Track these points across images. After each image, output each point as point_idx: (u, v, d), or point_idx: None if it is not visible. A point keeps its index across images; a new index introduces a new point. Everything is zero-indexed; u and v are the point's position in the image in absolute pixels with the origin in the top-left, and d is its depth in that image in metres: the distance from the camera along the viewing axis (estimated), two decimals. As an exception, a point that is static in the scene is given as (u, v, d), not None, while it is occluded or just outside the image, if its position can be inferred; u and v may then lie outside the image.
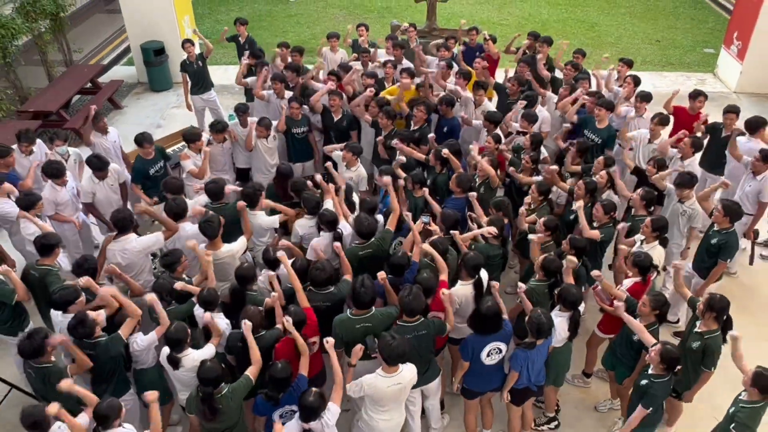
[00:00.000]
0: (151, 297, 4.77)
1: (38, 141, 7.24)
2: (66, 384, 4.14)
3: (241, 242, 5.68)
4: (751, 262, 6.91)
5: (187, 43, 9.07)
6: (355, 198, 6.40)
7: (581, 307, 4.98)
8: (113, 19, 15.31)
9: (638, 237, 5.64)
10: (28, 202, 5.89)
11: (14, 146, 6.86)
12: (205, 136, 7.30)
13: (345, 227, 5.71)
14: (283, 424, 4.37)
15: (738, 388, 4.45)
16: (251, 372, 4.36)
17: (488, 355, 4.77)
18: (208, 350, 4.58)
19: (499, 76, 9.29)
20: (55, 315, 4.88)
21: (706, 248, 5.90)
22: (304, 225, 5.86)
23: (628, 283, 5.23)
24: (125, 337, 4.63)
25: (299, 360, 4.47)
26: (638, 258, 5.21)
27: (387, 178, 5.91)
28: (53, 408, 4.00)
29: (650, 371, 4.55)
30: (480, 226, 5.72)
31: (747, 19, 11.25)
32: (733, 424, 4.31)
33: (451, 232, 5.50)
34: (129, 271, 5.55)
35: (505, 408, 5.32)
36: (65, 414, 4.03)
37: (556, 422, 5.68)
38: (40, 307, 5.51)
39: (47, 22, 11.65)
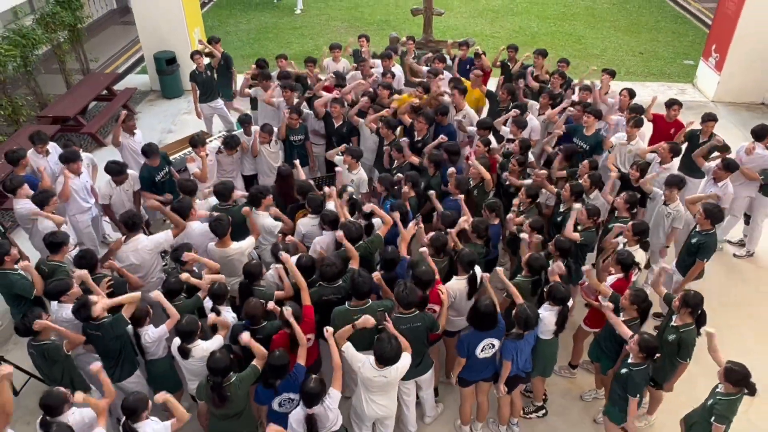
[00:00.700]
0: (156, 294, 4.81)
1: (54, 144, 7.25)
2: (96, 367, 4.21)
3: (249, 240, 5.69)
4: None
5: (196, 54, 9.09)
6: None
7: (569, 303, 5.00)
8: (128, 31, 15.31)
9: (621, 239, 5.66)
10: (43, 198, 5.92)
11: (31, 150, 6.87)
12: (217, 143, 7.31)
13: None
14: (282, 412, 4.43)
15: (715, 379, 4.47)
16: (258, 363, 4.38)
17: (482, 350, 4.79)
18: (217, 341, 4.59)
19: (491, 84, 9.34)
20: (53, 305, 4.91)
21: (687, 248, 5.93)
22: (306, 224, 5.88)
23: (611, 279, 5.25)
24: (127, 317, 4.64)
25: (295, 351, 4.48)
26: (621, 256, 5.24)
27: (396, 214, 5.73)
28: (79, 396, 4.06)
29: (630, 360, 4.58)
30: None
31: (724, 33, 11.29)
32: (713, 417, 4.35)
33: (448, 230, 5.52)
34: (141, 270, 5.58)
35: (498, 401, 5.34)
36: (90, 399, 4.09)
37: (543, 411, 5.69)
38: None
39: (66, 33, 11.66)
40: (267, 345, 4.58)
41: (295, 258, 5.18)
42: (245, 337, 4.35)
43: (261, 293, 4.95)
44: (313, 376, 4.18)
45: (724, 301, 6.86)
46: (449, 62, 9.35)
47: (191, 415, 5.35)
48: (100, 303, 4.67)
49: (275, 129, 7.23)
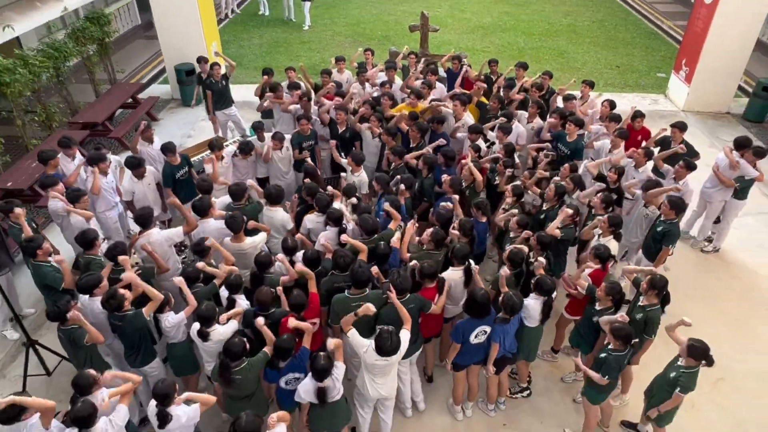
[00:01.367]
0: (179, 280, 4.83)
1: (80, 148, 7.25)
2: (110, 375, 4.17)
3: (261, 236, 5.70)
4: None
5: (215, 65, 9.06)
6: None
7: (553, 294, 5.01)
8: (151, 44, 15.30)
9: (596, 231, 5.68)
10: (74, 196, 5.94)
11: (61, 153, 6.86)
12: (233, 147, 7.30)
13: (349, 224, 5.72)
14: (289, 389, 4.45)
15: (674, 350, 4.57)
16: (268, 349, 4.39)
17: (476, 337, 4.80)
18: (231, 326, 4.59)
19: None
20: (83, 298, 4.89)
21: (653, 236, 5.97)
22: (313, 220, 5.87)
23: (589, 270, 5.25)
24: (147, 315, 4.66)
25: (302, 335, 4.49)
26: (599, 251, 5.25)
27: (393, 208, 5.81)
28: (108, 374, 4.12)
29: (610, 346, 4.60)
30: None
31: (693, 48, 11.29)
32: (678, 388, 4.44)
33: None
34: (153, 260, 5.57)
35: (485, 381, 5.36)
36: (119, 374, 4.11)
37: (528, 391, 5.70)
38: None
39: (94, 46, 11.67)
40: (276, 328, 4.59)
41: (301, 252, 5.20)
42: (260, 320, 4.40)
43: (270, 280, 4.98)
44: (322, 353, 4.22)
45: (691, 293, 6.86)
46: (442, 74, 9.34)
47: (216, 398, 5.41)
48: (131, 280, 4.74)
49: (286, 136, 7.21)
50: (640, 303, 4.91)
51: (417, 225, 5.85)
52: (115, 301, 4.55)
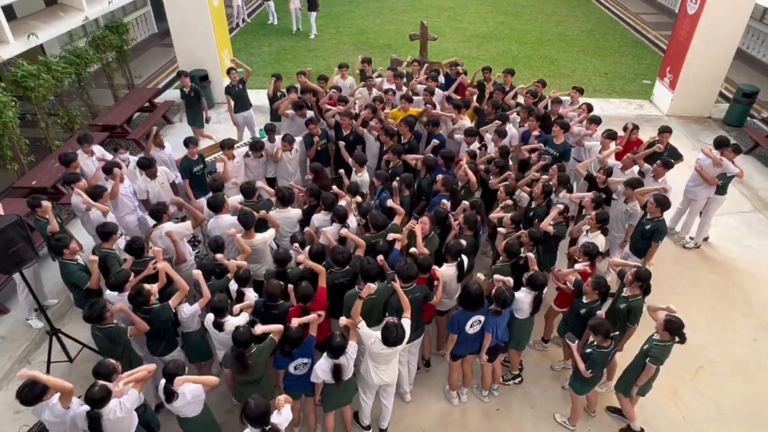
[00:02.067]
0: (197, 273, 4.84)
1: (100, 147, 7.25)
2: (124, 379, 4.11)
3: (270, 232, 5.69)
4: None
5: (231, 71, 9.06)
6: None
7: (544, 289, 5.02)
8: (167, 52, 15.28)
9: (584, 228, 5.68)
10: (96, 193, 5.96)
11: (79, 150, 6.87)
12: (245, 148, 7.30)
13: (351, 221, 5.72)
14: (297, 374, 4.46)
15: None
16: (275, 336, 4.40)
17: (471, 326, 4.81)
18: (243, 318, 4.61)
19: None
20: (112, 295, 4.87)
21: (641, 233, 5.96)
22: (320, 218, 5.87)
23: (579, 266, 5.25)
24: (173, 307, 4.67)
25: (308, 324, 4.52)
26: (587, 248, 5.25)
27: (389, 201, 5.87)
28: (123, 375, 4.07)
29: (593, 342, 4.60)
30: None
31: (677, 57, 11.26)
32: (648, 359, 4.49)
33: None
34: (168, 252, 5.58)
35: (479, 368, 5.37)
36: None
37: (519, 378, 5.71)
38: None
39: (113, 53, 11.68)
40: (284, 320, 4.59)
41: (308, 247, 5.20)
42: (258, 329, 4.35)
43: (291, 274, 5.00)
44: (337, 332, 4.30)
45: (672, 286, 6.87)
46: (441, 80, 9.32)
47: (219, 380, 5.43)
48: (165, 269, 4.82)
49: (295, 138, 7.22)
50: (623, 294, 4.93)
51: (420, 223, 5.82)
52: (142, 298, 4.57)
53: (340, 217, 5.52)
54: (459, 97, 8.22)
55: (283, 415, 3.79)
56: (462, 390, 5.50)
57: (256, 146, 7.09)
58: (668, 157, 6.75)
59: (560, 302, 5.62)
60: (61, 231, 5.84)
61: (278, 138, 7.30)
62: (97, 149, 7.14)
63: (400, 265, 4.66)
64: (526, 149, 7.18)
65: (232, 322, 4.52)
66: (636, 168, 6.80)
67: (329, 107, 7.85)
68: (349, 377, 4.47)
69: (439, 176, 6.19)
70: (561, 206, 5.66)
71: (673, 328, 4.37)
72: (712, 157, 6.87)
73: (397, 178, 6.24)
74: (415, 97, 8.19)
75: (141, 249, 5.23)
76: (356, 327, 4.38)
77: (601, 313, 4.70)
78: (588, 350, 4.61)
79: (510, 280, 4.92)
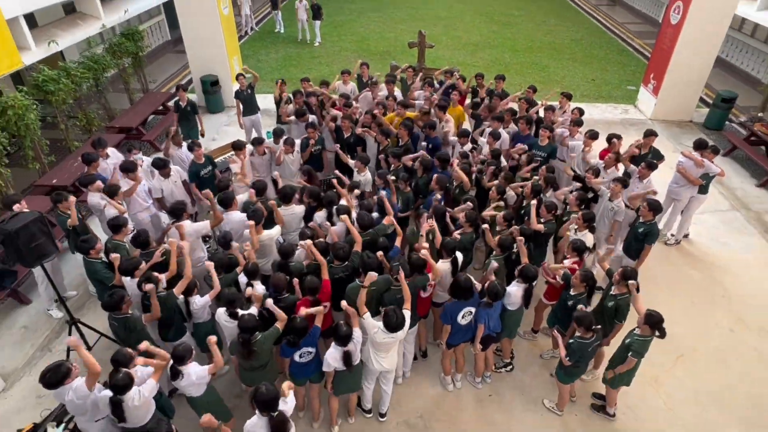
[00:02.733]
0: (209, 264, 4.86)
1: (114, 149, 7.23)
2: (144, 345, 4.19)
3: (276, 229, 5.68)
4: None
5: (240, 76, 9.04)
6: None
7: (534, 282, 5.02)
8: (180, 58, 15.27)
9: (572, 227, 5.67)
10: (111, 191, 5.99)
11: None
12: (250, 147, 7.30)
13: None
14: (302, 362, 4.46)
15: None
16: (279, 325, 4.40)
17: (463, 317, 4.80)
18: (252, 309, 4.60)
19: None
20: (126, 280, 4.91)
21: (634, 236, 5.93)
22: (321, 216, 5.88)
23: (568, 262, 5.26)
24: (177, 294, 4.70)
25: (314, 315, 4.51)
26: (576, 244, 5.25)
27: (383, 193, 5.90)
28: (143, 344, 4.14)
29: (577, 334, 4.62)
30: (455, 221, 5.76)
31: (660, 64, 11.24)
32: (630, 352, 4.49)
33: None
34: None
35: (473, 356, 5.38)
36: (150, 348, 4.12)
37: (510, 366, 5.72)
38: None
39: (129, 59, 11.66)
40: (290, 312, 4.59)
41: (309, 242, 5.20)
42: (269, 301, 4.42)
43: (294, 267, 4.99)
44: (341, 322, 4.31)
45: (654, 281, 6.87)
46: (437, 86, 9.29)
47: (228, 366, 5.44)
48: (173, 259, 4.89)
49: (296, 141, 7.21)
50: (611, 292, 4.90)
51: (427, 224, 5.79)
52: (151, 282, 4.57)
53: (340, 213, 5.52)
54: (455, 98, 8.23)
55: (288, 402, 3.80)
56: (456, 377, 5.51)
57: (255, 141, 7.15)
58: (652, 159, 6.74)
59: (549, 295, 5.62)
60: (81, 227, 5.85)
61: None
62: (112, 152, 7.12)
63: (403, 260, 4.68)
64: (514, 152, 7.19)
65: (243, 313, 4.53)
66: (621, 167, 6.80)
67: (336, 112, 7.85)
68: (358, 364, 4.49)
69: (435, 176, 6.19)
70: (533, 202, 5.70)
71: (653, 323, 4.36)
72: (694, 158, 6.85)
73: (393, 177, 6.25)
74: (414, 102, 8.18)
75: (146, 241, 5.26)
76: (362, 317, 4.39)
77: (582, 307, 4.69)
78: (571, 341, 4.64)
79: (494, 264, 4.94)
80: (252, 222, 5.31)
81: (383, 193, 5.92)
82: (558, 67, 14.80)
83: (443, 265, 5.11)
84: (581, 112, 7.79)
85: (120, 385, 3.72)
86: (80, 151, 8.81)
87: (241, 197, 6.12)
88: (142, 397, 3.82)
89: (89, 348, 5.75)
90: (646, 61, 14.83)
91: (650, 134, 7.13)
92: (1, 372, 5.61)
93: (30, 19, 10.23)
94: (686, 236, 7.76)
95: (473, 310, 4.83)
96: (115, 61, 10.98)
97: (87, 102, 10.68)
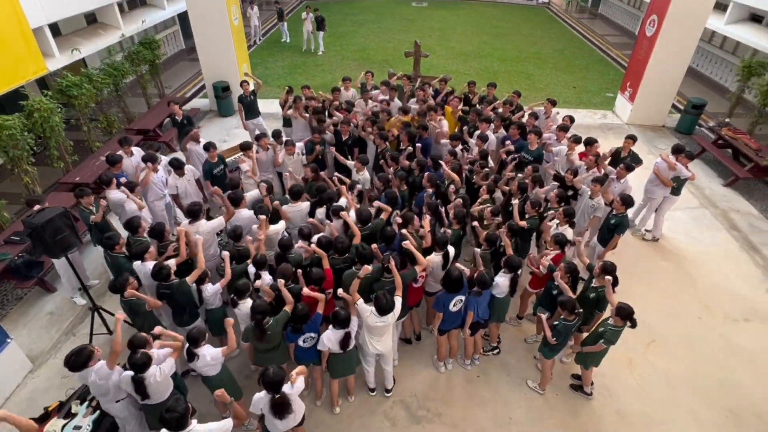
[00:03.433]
0: (225, 254, 4.88)
1: (139, 149, 7.23)
2: (158, 329, 4.19)
3: (281, 224, 5.68)
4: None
5: (244, 83, 9.01)
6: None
7: (519, 271, 5.03)
8: (193, 65, 15.20)
9: (554, 222, 5.68)
10: (131, 186, 6.00)
11: (119, 152, 6.83)
12: (255, 146, 7.28)
13: (352, 214, 5.71)
14: (306, 346, 4.47)
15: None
16: (288, 308, 4.42)
17: (454, 305, 4.82)
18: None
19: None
20: (137, 264, 4.90)
21: (606, 227, 5.98)
22: (322, 212, 5.88)
23: (551, 254, 5.27)
24: (190, 282, 4.70)
25: (316, 303, 4.52)
26: (557, 237, 5.26)
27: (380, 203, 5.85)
28: (157, 329, 4.15)
29: (562, 317, 4.64)
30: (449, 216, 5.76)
31: (636, 73, 11.24)
32: (602, 340, 4.55)
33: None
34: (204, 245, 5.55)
35: (464, 342, 5.40)
36: (165, 332, 4.12)
37: (497, 350, 5.74)
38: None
39: (147, 66, 11.59)
40: (297, 299, 4.59)
41: (315, 237, 5.20)
42: (281, 281, 4.44)
43: (293, 258, 4.99)
44: (339, 308, 4.32)
45: (630, 272, 6.89)
46: (431, 91, 9.27)
47: (238, 350, 5.45)
48: (182, 245, 4.95)
49: (298, 144, 7.19)
50: (593, 284, 4.91)
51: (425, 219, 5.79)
52: (164, 271, 4.59)
53: (335, 212, 5.53)
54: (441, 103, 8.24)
55: (295, 387, 3.81)
56: (448, 360, 5.52)
57: (258, 137, 7.16)
58: (630, 162, 6.77)
59: (533, 284, 5.64)
60: (103, 223, 5.84)
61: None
62: (137, 150, 7.10)
63: (384, 259, 4.68)
64: (503, 152, 7.20)
65: (248, 303, 4.54)
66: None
67: (338, 115, 7.85)
68: (352, 349, 4.49)
69: (426, 174, 6.21)
70: (515, 201, 5.72)
71: (624, 315, 4.40)
72: (668, 161, 6.87)
73: (391, 177, 6.26)
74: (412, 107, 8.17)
75: (162, 232, 5.25)
76: (355, 303, 4.40)
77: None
78: (555, 323, 4.69)
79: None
80: (263, 216, 5.31)
81: (376, 203, 5.84)
82: (542, 76, 14.78)
83: (435, 258, 5.12)
84: (572, 120, 7.79)
85: (139, 363, 3.74)
86: (102, 151, 8.78)
87: (250, 194, 6.12)
88: (162, 373, 3.84)
89: (110, 332, 5.76)
90: (623, 70, 14.84)
91: (629, 138, 7.14)
92: (29, 354, 5.60)
93: (54, 28, 10.16)
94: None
95: (463, 298, 4.84)
96: (133, 68, 10.92)
97: (107, 106, 10.64)
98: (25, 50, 8.49)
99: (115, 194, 6.02)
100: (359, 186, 6.15)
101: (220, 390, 3.76)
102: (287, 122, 8.54)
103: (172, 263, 4.79)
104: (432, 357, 5.62)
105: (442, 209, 5.88)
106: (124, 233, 6.65)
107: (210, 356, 4.09)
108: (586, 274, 5.59)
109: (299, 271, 4.77)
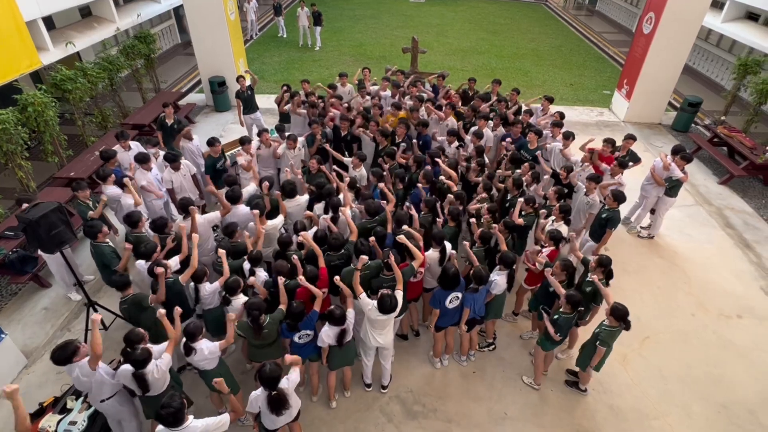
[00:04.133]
0: (222, 252, 4.88)
1: (137, 143, 7.19)
2: (160, 313, 4.19)
3: (279, 219, 5.66)
4: None
5: (240, 78, 8.96)
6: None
7: (514, 267, 5.05)
8: (189, 60, 15.09)
9: (551, 218, 5.71)
10: (123, 183, 5.97)
11: (116, 147, 6.79)
12: (256, 142, 7.26)
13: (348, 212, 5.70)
14: (301, 343, 4.48)
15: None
16: (282, 306, 4.43)
17: (450, 302, 4.83)
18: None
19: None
20: (140, 263, 4.88)
21: (598, 222, 6.01)
22: (319, 207, 5.87)
23: (546, 251, 5.29)
24: (183, 281, 4.71)
25: (312, 301, 4.52)
26: (553, 234, 5.28)
27: (381, 184, 5.90)
28: (161, 311, 4.15)
29: (561, 310, 4.66)
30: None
31: (633, 71, 11.25)
32: (598, 341, 4.56)
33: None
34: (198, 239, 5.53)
35: (460, 338, 5.42)
36: (165, 320, 4.11)
37: (493, 346, 5.76)
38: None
39: (142, 60, 11.51)
40: (291, 296, 4.60)
41: (312, 231, 5.20)
42: (281, 280, 4.46)
43: (291, 257, 4.95)
44: (334, 306, 4.32)
45: (625, 268, 6.94)
46: (428, 87, 9.27)
47: (234, 346, 5.45)
48: (185, 242, 4.96)
49: (298, 138, 7.16)
50: (588, 278, 4.93)
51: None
52: (160, 268, 4.55)
53: (333, 208, 5.54)
54: (446, 102, 8.21)
55: (291, 381, 3.82)
56: (444, 356, 5.55)
57: (260, 133, 7.16)
58: (629, 160, 6.79)
59: (529, 281, 5.66)
60: (101, 219, 5.82)
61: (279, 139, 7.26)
62: (134, 145, 7.07)
63: (384, 258, 4.69)
64: (501, 147, 7.23)
65: (241, 300, 4.55)
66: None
67: (334, 110, 7.82)
68: (349, 341, 4.52)
69: (422, 171, 6.20)
70: (521, 200, 5.71)
71: (619, 315, 4.40)
72: (664, 161, 6.91)
73: (386, 175, 6.26)
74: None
75: (164, 225, 5.27)
76: (358, 296, 4.42)
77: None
78: (555, 317, 4.71)
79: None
80: (256, 211, 5.31)
81: (380, 185, 5.91)
82: (539, 73, 14.78)
83: (433, 254, 5.13)
84: (562, 115, 7.82)
85: (140, 359, 3.77)
86: (97, 146, 8.73)
87: (246, 190, 6.10)
88: (160, 369, 3.88)
89: (105, 328, 5.74)
90: (620, 67, 14.86)
91: (629, 138, 7.16)
92: (23, 350, 5.59)
93: (48, 21, 10.06)
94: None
95: (459, 296, 4.86)
96: (128, 62, 10.83)
97: (102, 100, 10.57)
98: (18, 43, 8.40)
99: (111, 189, 5.99)
100: (354, 178, 6.13)
101: (219, 378, 3.78)
102: (285, 118, 8.51)
103: (174, 262, 4.77)
104: (428, 353, 5.64)
105: (438, 205, 5.89)
106: (121, 228, 6.66)
107: (207, 350, 4.09)
108: (581, 268, 5.61)
109: (295, 257, 4.72)
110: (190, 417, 3.38)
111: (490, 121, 7.79)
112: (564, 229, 5.57)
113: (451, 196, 5.78)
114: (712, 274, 7.02)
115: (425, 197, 5.79)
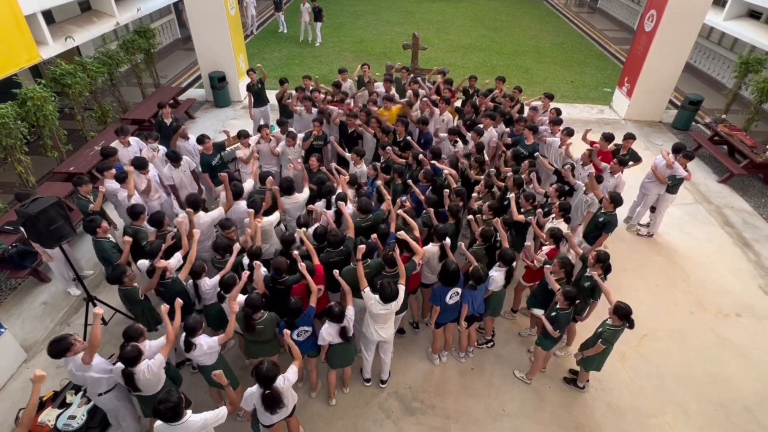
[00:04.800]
0: (236, 246, 4.89)
1: (136, 139, 7.16)
2: (164, 309, 4.19)
3: (275, 215, 5.65)
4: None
5: (250, 71, 8.99)
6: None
7: (513, 264, 5.04)
8: (189, 55, 15.03)
9: (551, 216, 5.71)
10: (122, 177, 5.97)
11: (115, 142, 6.77)
12: (255, 138, 7.23)
13: (349, 207, 5.70)
14: (300, 340, 4.47)
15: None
16: (259, 292, 4.46)
17: (450, 298, 4.84)
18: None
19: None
20: (141, 263, 4.87)
21: (594, 224, 5.99)
22: (321, 205, 5.85)
23: (546, 249, 5.29)
24: (182, 278, 4.71)
25: (309, 297, 4.51)
26: (554, 232, 5.27)
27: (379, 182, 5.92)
28: (164, 307, 4.16)
29: (558, 306, 4.66)
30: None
31: (634, 68, 11.22)
32: (600, 339, 4.55)
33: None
34: (201, 237, 5.51)
35: (458, 335, 5.42)
36: (166, 317, 4.11)
37: (491, 343, 5.77)
38: (134, 253, 5.45)
39: (142, 55, 11.46)
40: (288, 293, 4.59)
41: (312, 228, 5.19)
42: (256, 265, 4.46)
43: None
44: (333, 303, 4.32)
45: (624, 266, 6.94)
46: (430, 85, 9.24)
47: (233, 341, 5.46)
48: (185, 238, 4.95)
49: (299, 135, 7.14)
50: (587, 274, 4.95)
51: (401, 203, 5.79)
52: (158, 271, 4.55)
53: (340, 199, 5.51)
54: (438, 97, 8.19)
55: (288, 378, 3.82)
56: (442, 352, 5.56)
57: (260, 129, 7.12)
58: (629, 159, 6.78)
59: (528, 278, 5.65)
60: (100, 213, 5.81)
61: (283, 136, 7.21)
62: (134, 140, 7.03)
63: (386, 254, 4.70)
64: (501, 143, 7.21)
65: (240, 298, 4.54)
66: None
67: (332, 108, 7.79)
68: (351, 339, 4.51)
69: (422, 170, 6.19)
70: (513, 196, 5.73)
71: (622, 314, 4.40)
72: (667, 159, 6.89)
73: (381, 175, 6.25)
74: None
75: (161, 220, 5.27)
76: (363, 289, 4.42)
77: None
78: (553, 313, 4.71)
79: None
80: (251, 210, 5.29)
81: (378, 182, 5.90)
82: (540, 70, 14.74)
83: (433, 248, 5.13)
84: (558, 112, 7.81)
85: (129, 357, 3.73)
86: (97, 141, 8.70)
87: (247, 184, 6.08)
88: (151, 371, 3.84)
89: (105, 323, 5.74)
90: (622, 65, 14.81)
91: (629, 137, 7.14)
92: (23, 344, 5.59)
93: (47, 15, 10.02)
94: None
95: (459, 291, 4.87)
96: (128, 57, 10.79)
97: (102, 95, 10.53)
98: (18, 38, 8.36)
99: (109, 183, 5.98)
100: (354, 174, 6.11)
101: (218, 370, 3.78)
102: (286, 113, 8.49)
103: (176, 258, 4.77)
104: (426, 349, 5.64)
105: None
106: (118, 222, 6.65)
107: (207, 345, 4.10)
108: (579, 264, 5.62)
109: (295, 252, 4.70)
110: (189, 411, 3.39)
111: (493, 121, 7.78)
112: (564, 227, 5.57)
113: (446, 190, 5.76)
114: (711, 272, 7.02)
115: (428, 195, 5.76)
